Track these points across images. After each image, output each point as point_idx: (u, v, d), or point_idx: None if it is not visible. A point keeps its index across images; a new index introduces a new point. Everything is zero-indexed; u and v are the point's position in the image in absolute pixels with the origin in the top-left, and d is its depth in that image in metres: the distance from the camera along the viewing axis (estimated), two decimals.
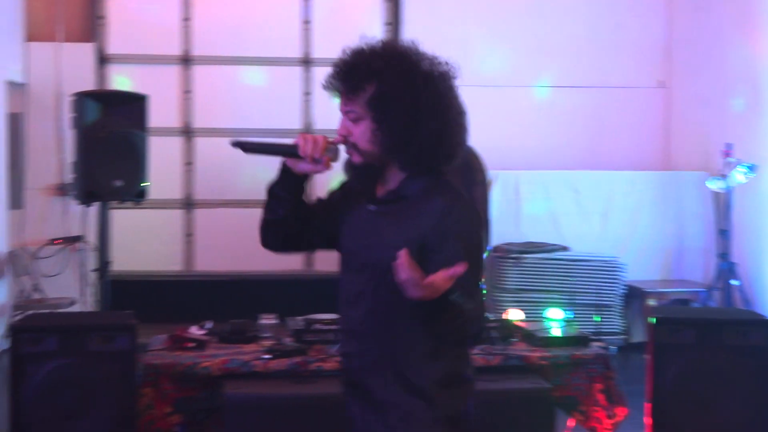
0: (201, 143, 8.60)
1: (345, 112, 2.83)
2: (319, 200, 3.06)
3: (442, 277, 2.46)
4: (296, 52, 8.57)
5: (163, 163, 8.04)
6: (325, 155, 2.81)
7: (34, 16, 8.50)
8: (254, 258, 8.24)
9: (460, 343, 2.88)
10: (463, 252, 2.65)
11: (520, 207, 8.41)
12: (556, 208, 8.48)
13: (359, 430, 2.86)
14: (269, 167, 9.21)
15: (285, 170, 2.90)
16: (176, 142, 8.56)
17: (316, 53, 8.56)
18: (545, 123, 8.97)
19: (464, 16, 8.79)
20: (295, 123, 8.54)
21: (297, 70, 8.58)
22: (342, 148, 2.85)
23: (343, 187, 3.05)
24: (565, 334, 4.66)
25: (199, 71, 8.59)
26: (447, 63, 2.85)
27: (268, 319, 4.90)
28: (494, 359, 4.39)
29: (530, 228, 8.36)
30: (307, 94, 8.56)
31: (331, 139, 2.83)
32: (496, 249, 8.00)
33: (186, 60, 8.53)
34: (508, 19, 8.91)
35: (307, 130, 8.50)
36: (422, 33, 8.71)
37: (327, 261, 8.41)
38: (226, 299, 7.53)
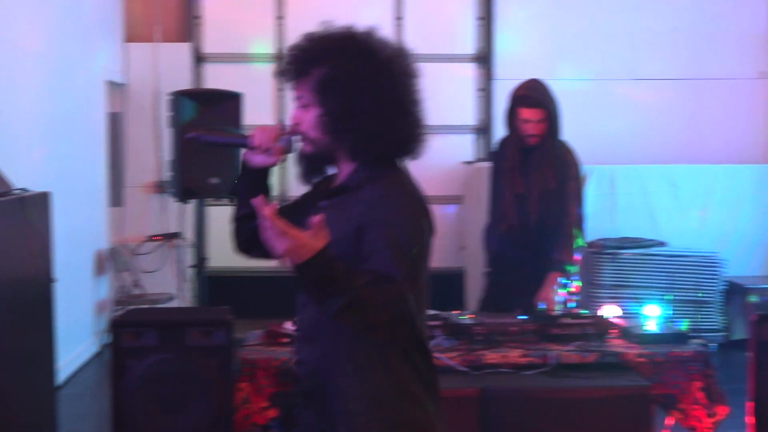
0: (294, 140, 8.68)
1: (296, 99, 2.70)
2: (285, 205, 2.92)
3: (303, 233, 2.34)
4: None
5: None
6: (276, 145, 2.70)
7: (132, 18, 8.66)
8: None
9: (410, 348, 2.65)
10: (388, 239, 2.49)
11: (616, 202, 8.29)
12: (654, 202, 8.35)
13: None
14: None
15: (244, 164, 2.80)
16: None
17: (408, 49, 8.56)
18: (642, 116, 8.83)
19: (559, 9, 8.70)
20: None
21: None
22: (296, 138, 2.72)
23: (303, 195, 2.93)
24: (662, 331, 4.57)
25: None
26: (403, 50, 2.73)
27: None
28: (590, 356, 4.33)
29: (626, 223, 8.24)
30: None
31: (285, 130, 2.73)
32: (592, 245, 7.90)
33: (279, 58, 8.59)
34: (604, 11, 8.79)
35: None
36: (515, 27, 8.76)
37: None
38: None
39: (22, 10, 6.60)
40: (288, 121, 2.72)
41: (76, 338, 7.46)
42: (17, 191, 4.83)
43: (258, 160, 2.74)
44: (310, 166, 2.73)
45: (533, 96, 5.36)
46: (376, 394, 2.61)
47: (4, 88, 6.06)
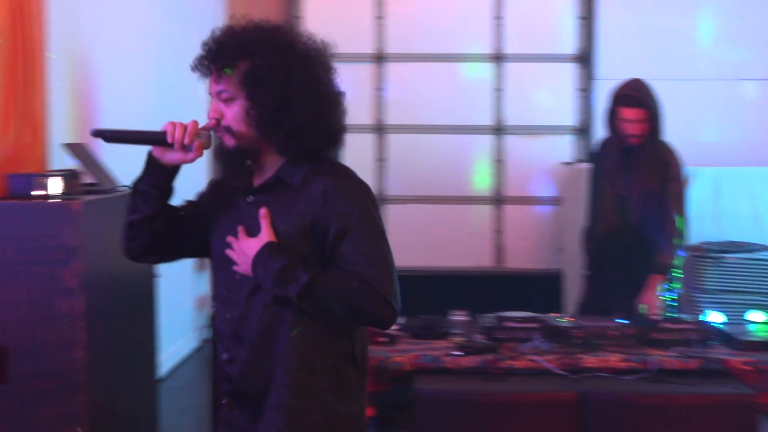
0: (393, 140, 8.70)
1: (216, 93, 2.60)
2: (189, 202, 2.85)
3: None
4: (488, 48, 8.54)
5: (356, 160, 8.13)
6: (197, 140, 2.59)
7: (234, 19, 8.77)
8: (445, 254, 8.40)
9: (348, 342, 2.63)
10: (358, 229, 2.54)
11: (721, 205, 8.12)
12: (760, 205, 8.15)
13: None
14: (461, 163, 9.20)
15: (151, 161, 2.67)
16: (369, 139, 8.68)
17: (508, 49, 8.51)
18: (748, 117, 8.63)
19: (662, 8, 8.55)
20: (486, 119, 8.51)
21: (488, 66, 8.55)
22: (214, 133, 2.64)
23: (213, 184, 2.86)
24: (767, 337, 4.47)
25: (391, 68, 8.68)
26: (324, 42, 2.67)
27: (458, 316, 4.89)
28: (692, 363, 4.25)
29: (731, 227, 8.06)
30: (498, 90, 8.52)
31: (202, 124, 2.62)
32: (694, 248, 7.75)
33: (379, 57, 8.63)
34: (709, 11, 8.62)
35: (498, 127, 8.47)
36: (618, 27, 8.62)
37: (518, 258, 8.43)
38: (416, 294, 7.54)
39: (130, 14, 6.73)
40: (207, 115, 2.63)
41: (177, 333, 7.58)
42: (123, 188, 4.92)
43: (173, 157, 2.64)
44: (232, 161, 2.67)
45: (635, 95, 5.29)
46: (320, 388, 2.59)
47: (111, 89, 6.19)
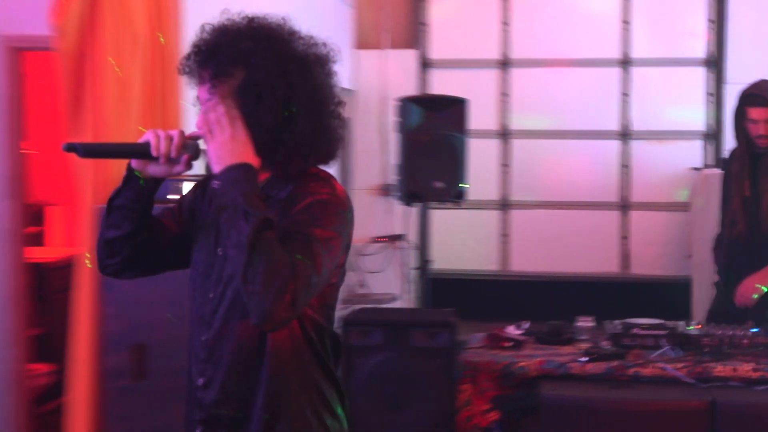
0: (517, 145, 8.66)
1: (206, 101, 2.36)
2: (169, 210, 2.62)
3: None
4: (615, 53, 8.43)
5: (480, 165, 8.16)
6: (184, 153, 2.34)
7: (362, 26, 8.85)
8: (569, 259, 8.31)
9: (326, 363, 2.45)
10: (303, 215, 2.26)
11: None
12: None
13: None
14: (584, 168, 9.09)
15: (131, 175, 2.42)
16: (493, 144, 8.66)
17: (635, 53, 8.39)
18: None
19: None
20: (613, 124, 8.41)
21: (615, 71, 8.44)
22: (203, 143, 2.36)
23: (197, 188, 2.62)
24: None
25: (516, 74, 8.64)
26: (325, 45, 2.46)
27: (585, 322, 4.86)
28: None
29: None
30: (625, 95, 8.40)
31: (188, 133, 2.39)
32: None
33: (504, 63, 8.60)
34: None
35: (624, 132, 8.36)
36: (749, 29, 8.40)
37: (645, 264, 8.29)
38: (541, 300, 7.53)
39: None
40: (196, 125, 2.38)
41: None
42: None
43: (157, 170, 2.39)
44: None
45: (763, 95, 5.18)
46: (301, 404, 2.41)
47: None
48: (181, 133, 2.36)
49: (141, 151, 2.34)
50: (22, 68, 5.46)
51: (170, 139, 2.33)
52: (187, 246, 2.56)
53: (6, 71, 5.38)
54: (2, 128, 5.39)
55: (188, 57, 2.41)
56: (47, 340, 6.29)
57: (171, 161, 2.35)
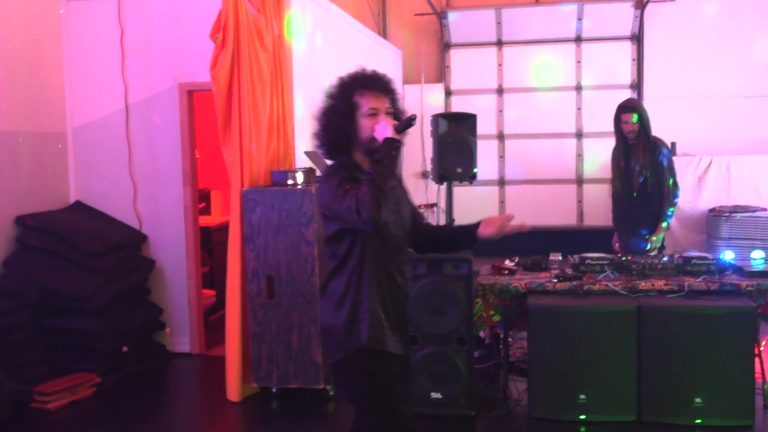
0: (509, 144, 8.57)
1: (385, 108, 2.46)
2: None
3: None
4: (571, 82, 8.26)
5: (485, 157, 8.09)
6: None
7: (407, 68, 8.82)
8: (545, 216, 8.23)
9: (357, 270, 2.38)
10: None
11: (731, 181, 7.69)
12: (758, 181, 7.67)
13: None
14: (553, 158, 8.84)
15: (474, 239, 2.71)
16: (493, 144, 8.58)
17: (585, 82, 8.21)
18: (751, 123, 8.11)
19: None
20: (571, 128, 8.26)
21: (572, 94, 8.28)
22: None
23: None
24: (765, 268, 4.21)
25: (507, 98, 8.53)
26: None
27: (555, 256, 4.81)
28: (714, 285, 4.07)
29: (738, 195, 7.63)
30: (578, 109, 8.24)
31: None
32: (713, 210, 7.42)
33: (500, 91, 8.50)
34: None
35: (578, 133, 8.19)
36: (660, 63, 8.13)
37: (593, 218, 8.18)
38: (527, 243, 7.43)
39: (340, 62, 6.82)
40: (378, 122, 2.43)
41: None
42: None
43: (495, 233, 2.68)
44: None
45: (630, 105, 5.12)
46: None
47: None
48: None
49: (409, 124, 2.41)
50: (192, 103, 5.52)
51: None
52: None
53: (184, 106, 5.44)
54: (182, 141, 5.46)
55: (380, 78, 2.48)
56: (212, 274, 6.39)
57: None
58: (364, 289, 2.37)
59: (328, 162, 2.54)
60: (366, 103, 2.43)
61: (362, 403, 2.34)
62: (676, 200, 5.09)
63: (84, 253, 4.94)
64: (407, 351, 2.51)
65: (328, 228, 2.44)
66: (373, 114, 2.43)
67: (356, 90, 2.44)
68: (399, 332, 2.45)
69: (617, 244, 5.32)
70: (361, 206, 2.22)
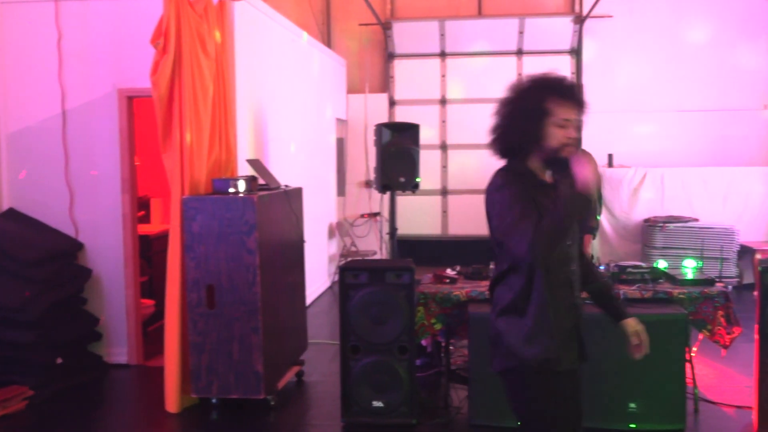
0: (452, 154, 8.63)
1: (576, 121, 2.30)
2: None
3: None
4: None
5: (428, 167, 8.13)
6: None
7: (351, 79, 8.80)
8: (483, 225, 8.31)
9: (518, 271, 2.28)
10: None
11: (665, 192, 7.91)
12: (690, 192, 7.92)
13: None
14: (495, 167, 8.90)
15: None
16: (436, 153, 8.63)
17: None
18: (683, 136, 8.38)
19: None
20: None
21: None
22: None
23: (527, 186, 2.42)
24: (696, 277, 4.33)
25: (450, 108, 8.60)
26: None
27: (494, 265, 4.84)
28: (648, 293, 4.15)
29: (671, 206, 7.86)
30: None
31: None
32: (648, 220, 7.60)
33: (443, 101, 8.56)
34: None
35: None
36: (596, 77, 8.34)
37: None
38: (467, 252, 7.52)
39: (287, 74, 6.76)
40: (568, 134, 2.29)
41: (317, 277, 7.66)
42: (284, 187, 4.98)
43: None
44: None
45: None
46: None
47: (279, 125, 6.26)
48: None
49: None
50: (132, 109, 5.38)
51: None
52: None
53: (123, 112, 5.30)
54: (121, 148, 5.32)
55: (573, 91, 2.28)
56: (152, 283, 6.24)
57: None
58: (539, 299, 2.28)
59: (501, 162, 2.40)
60: (560, 112, 2.26)
61: (528, 415, 2.30)
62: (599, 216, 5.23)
63: (19, 261, 4.75)
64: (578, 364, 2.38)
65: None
66: (565, 125, 2.27)
67: (550, 96, 2.27)
68: (571, 347, 2.34)
69: None
70: (537, 244, 2.07)
